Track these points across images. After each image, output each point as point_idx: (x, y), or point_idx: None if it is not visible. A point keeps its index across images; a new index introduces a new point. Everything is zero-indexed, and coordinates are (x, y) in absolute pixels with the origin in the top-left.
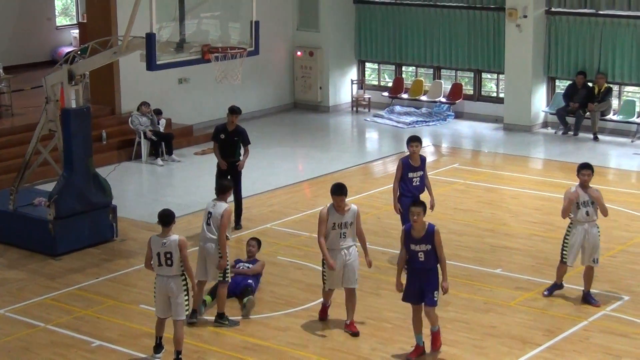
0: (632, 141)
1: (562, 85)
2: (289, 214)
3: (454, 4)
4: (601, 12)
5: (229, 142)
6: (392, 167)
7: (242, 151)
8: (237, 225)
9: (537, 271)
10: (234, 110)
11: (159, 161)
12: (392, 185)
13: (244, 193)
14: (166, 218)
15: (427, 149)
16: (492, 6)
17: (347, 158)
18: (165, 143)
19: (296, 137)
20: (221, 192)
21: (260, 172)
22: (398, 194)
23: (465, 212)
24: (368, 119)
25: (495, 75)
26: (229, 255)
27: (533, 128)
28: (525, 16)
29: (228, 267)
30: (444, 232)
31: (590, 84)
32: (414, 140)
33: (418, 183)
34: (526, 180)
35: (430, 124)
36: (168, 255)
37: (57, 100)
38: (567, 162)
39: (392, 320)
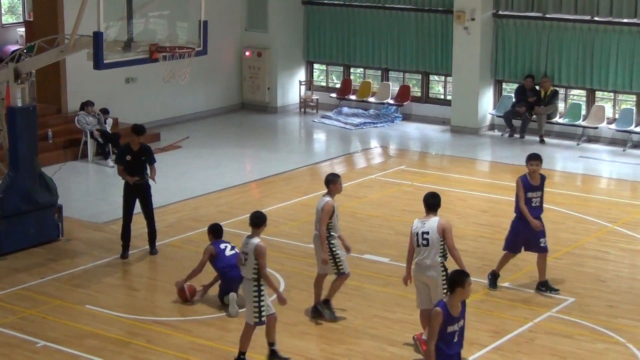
0: (577, 144)
1: (509, 89)
2: (236, 215)
3: (402, 6)
4: (548, 16)
5: (136, 163)
6: (340, 168)
7: (148, 171)
8: (153, 250)
9: (484, 272)
10: (138, 131)
11: (110, 162)
12: None
13: (190, 194)
14: (254, 220)
15: (375, 151)
16: (440, 9)
17: (295, 159)
18: (111, 143)
19: (244, 137)
20: (328, 182)
21: (208, 172)
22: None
23: (413, 214)
24: (316, 120)
25: (442, 78)
26: (337, 249)
27: (480, 130)
28: (473, 19)
29: (342, 259)
30: (391, 234)
31: (537, 87)
32: (534, 159)
33: (538, 204)
34: (473, 182)
35: (378, 125)
36: (245, 256)
37: (2, 98)
38: (514, 165)
39: (340, 321)
